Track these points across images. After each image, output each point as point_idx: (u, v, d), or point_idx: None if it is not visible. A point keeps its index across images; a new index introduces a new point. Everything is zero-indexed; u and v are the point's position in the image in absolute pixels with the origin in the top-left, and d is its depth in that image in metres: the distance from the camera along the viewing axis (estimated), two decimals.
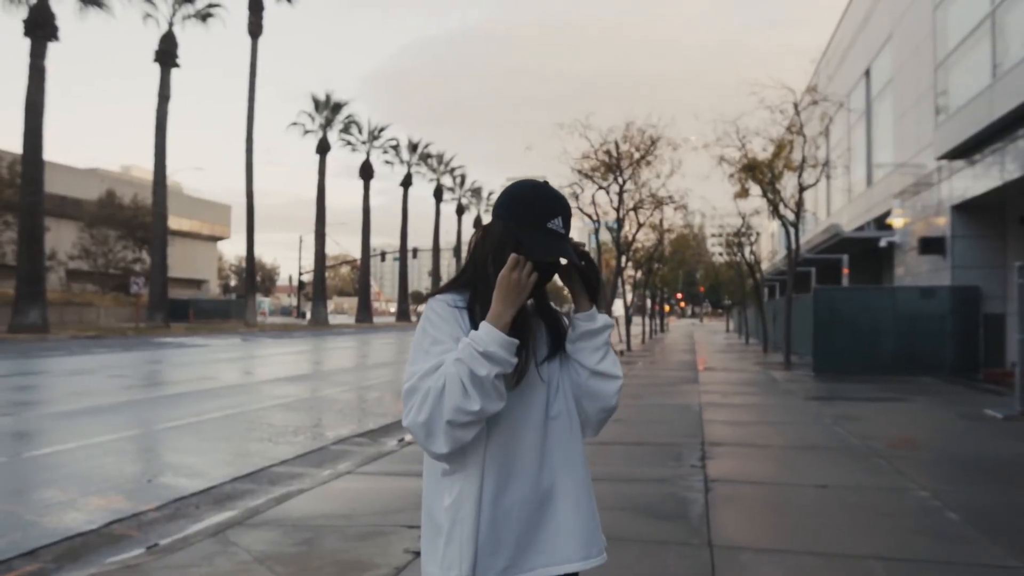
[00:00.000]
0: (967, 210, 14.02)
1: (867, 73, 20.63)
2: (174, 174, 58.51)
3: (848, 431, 7.51)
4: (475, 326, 1.46)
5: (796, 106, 17.13)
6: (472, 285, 1.52)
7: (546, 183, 1.53)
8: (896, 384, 12.38)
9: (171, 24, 35.73)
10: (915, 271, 16.15)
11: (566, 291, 1.61)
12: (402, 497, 4.92)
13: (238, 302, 50.13)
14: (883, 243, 17.95)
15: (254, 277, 42.96)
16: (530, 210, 1.47)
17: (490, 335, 1.39)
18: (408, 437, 7.42)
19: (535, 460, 1.49)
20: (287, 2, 41.33)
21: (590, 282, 1.54)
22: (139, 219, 40.47)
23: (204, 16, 36.48)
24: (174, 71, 35.78)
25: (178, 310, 42.24)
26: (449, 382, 1.38)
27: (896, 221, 17.22)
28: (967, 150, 13.11)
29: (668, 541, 3.89)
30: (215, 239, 63.28)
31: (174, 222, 44.75)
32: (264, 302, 64.53)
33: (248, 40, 40.59)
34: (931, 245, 14.74)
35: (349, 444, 7.38)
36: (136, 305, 35.96)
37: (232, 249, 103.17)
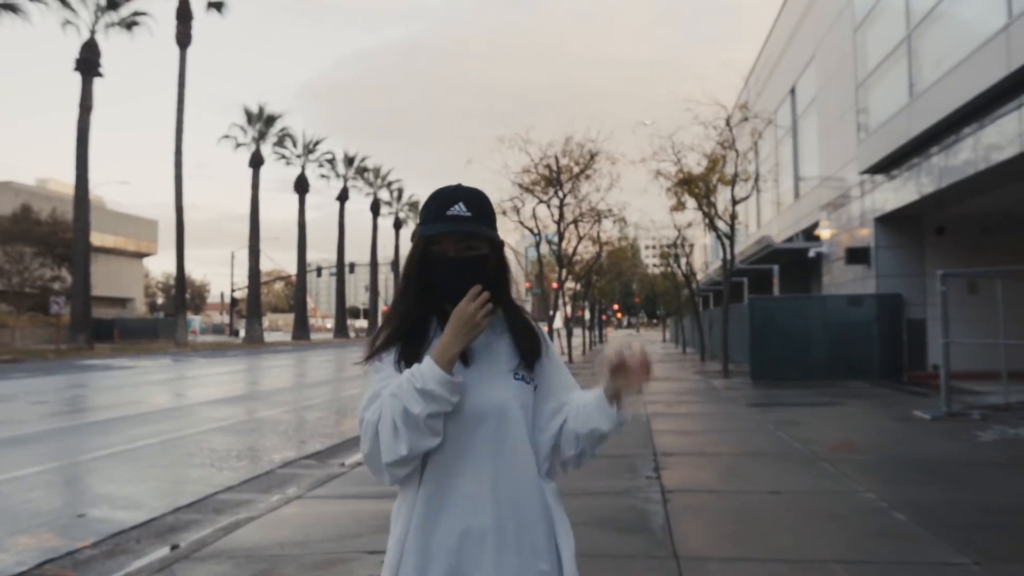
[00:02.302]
0: (888, 222, 14.78)
1: (792, 91, 21.57)
2: (97, 188, 55.95)
3: (791, 436, 7.75)
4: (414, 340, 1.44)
5: (728, 121, 17.76)
6: None
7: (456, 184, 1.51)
8: (829, 389, 12.87)
9: (93, 32, 34.29)
10: (841, 280, 16.89)
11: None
12: (358, 521, 4.79)
13: (167, 321, 48.20)
14: (812, 254, 18.72)
15: (184, 294, 41.37)
16: (431, 206, 1.45)
17: (431, 372, 1.32)
18: (350, 460, 7.25)
19: (476, 493, 1.38)
20: (217, 12, 40.29)
21: (501, 274, 1.47)
22: (58, 235, 38.41)
23: (129, 24, 35.18)
24: (97, 81, 34.32)
25: (102, 330, 40.29)
26: (383, 419, 1.34)
27: (823, 233, 18.00)
28: (887, 165, 13.84)
29: (635, 555, 3.90)
30: (141, 256, 60.72)
31: (96, 238, 42.71)
32: (194, 320, 62.23)
33: (176, 50, 39.34)
34: (857, 255, 15.46)
35: (296, 467, 7.15)
36: (56, 326, 34.07)
37: (159, 266, 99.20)
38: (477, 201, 1.46)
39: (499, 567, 1.37)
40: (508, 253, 1.58)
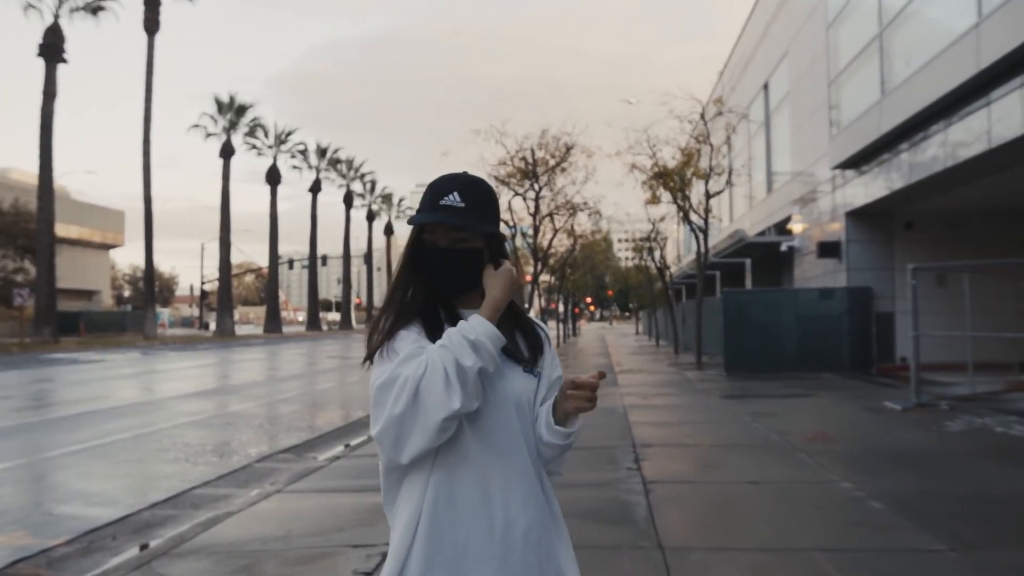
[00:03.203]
0: (859, 216, 15.04)
1: (766, 86, 21.79)
2: (61, 177, 54.53)
3: (767, 427, 7.86)
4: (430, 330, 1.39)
5: (703, 116, 17.89)
6: None
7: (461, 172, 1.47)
8: (802, 380, 13.08)
9: (57, 16, 33.33)
10: (812, 274, 17.15)
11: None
12: (340, 515, 4.75)
13: (135, 314, 47.32)
14: (784, 247, 18.98)
15: (153, 287, 40.59)
16: (428, 194, 1.42)
17: (482, 325, 1.31)
18: (327, 454, 7.16)
19: (491, 485, 1.35)
20: None
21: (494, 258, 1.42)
22: (21, 225, 37.44)
23: (95, 9, 34.26)
24: (61, 67, 33.41)
25: (67, 323, 39.39)
26: (431, 371, 1.25)
27: (795, 227, 18.26)
28: (858, 161, 14.08)
29: (620, 546, 3.93)
30: (107, 247, 59.37)
31: (61, 229, 41.62)
32: (163, 313, 61.15)
33: (144, 37, 38.46)
34: (828, 249, 15.71)
35: (274, 461, 7.06)
36: (20, 319, 33.23)
37: (126, 258, 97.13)
38: (475, 192, 1.41)
39: (506, 561, 1.35)
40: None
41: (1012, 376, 10.80)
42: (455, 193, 1.39)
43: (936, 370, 12.30)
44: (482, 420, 1.36)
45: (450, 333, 1.31)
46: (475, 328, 1.30)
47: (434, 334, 1.38)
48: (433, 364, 1.27)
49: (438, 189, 1.41)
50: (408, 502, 1.37)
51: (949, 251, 13.81)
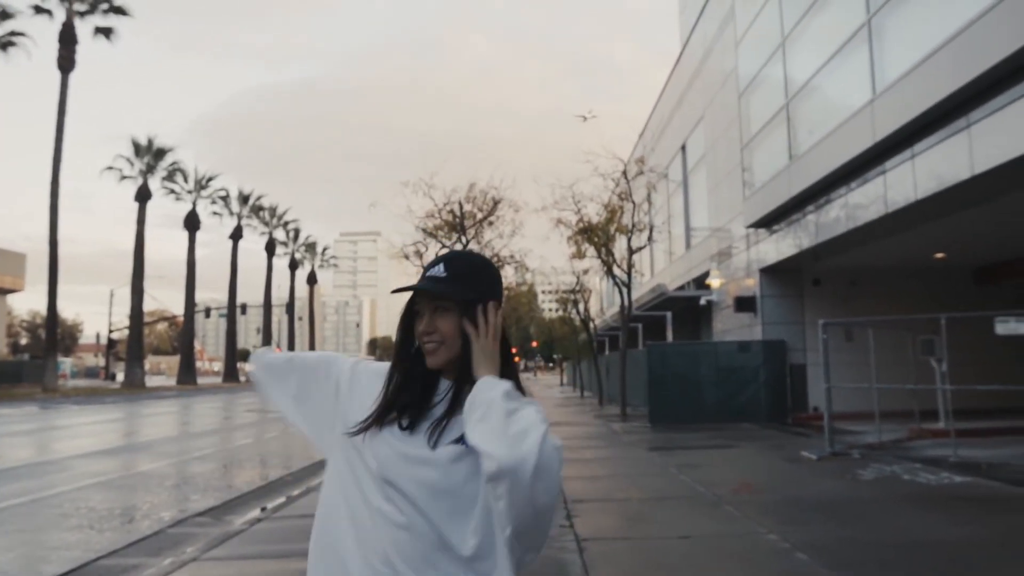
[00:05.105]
0: (772, 272, 15.86)
1: (683, 148, 22.94)
2: None
3: (693, 479, 8.03)
4: (387, 393, 1.41)
5: (625, 174, 18.62)
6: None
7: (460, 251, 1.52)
8: (723, 431, 13.46)
9: None
10: (729, 327, 17.86)
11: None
12: None
13: (33, 363, 44.16)
14: (703, 301, 19.72)
15: (55, 334, 38.10)
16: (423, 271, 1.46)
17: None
18: (247, 516, 6.85)
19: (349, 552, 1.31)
20: (105, 38, 38.38)
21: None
22: None
23: (4, 45, 32.89)
24: None
25: None
26: None
27: (713, 282, 19.05)
28: (770, 221, 14.93)
29: None
30: (4, 292, 55.55)
31: None
32: (65, 363, 57.35)
33: (58, 75, 37.03)
34: (744, 304, 16.44)
35: (189, 525, 6.67)
36: None
37: (27, 303, 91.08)
38: (459, 264, 1.41)
39: None
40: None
41: (914, 424, 11.48)
42: (440, 265, 1.41)
43: (845, 419, 12.92)
44: (380, 498, 1.33)
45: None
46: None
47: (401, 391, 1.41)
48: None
49: (430, 263, 1.45)
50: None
51: (853, 306, 14.71)
